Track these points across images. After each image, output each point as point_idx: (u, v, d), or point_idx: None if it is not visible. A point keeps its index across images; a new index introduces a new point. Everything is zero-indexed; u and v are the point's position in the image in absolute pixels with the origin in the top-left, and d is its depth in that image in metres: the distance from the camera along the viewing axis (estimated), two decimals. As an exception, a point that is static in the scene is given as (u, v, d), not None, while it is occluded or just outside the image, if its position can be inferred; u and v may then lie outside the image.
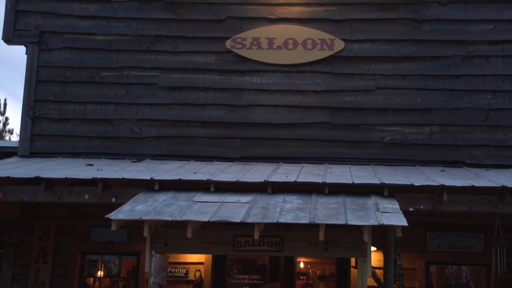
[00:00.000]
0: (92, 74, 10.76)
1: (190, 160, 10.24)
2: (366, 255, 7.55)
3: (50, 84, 10.77)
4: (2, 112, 26.61)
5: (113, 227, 7.12)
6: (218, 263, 10.49)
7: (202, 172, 8.94)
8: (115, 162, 9.93)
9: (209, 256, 10.38)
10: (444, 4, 10.60)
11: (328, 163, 10.05)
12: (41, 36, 10.85)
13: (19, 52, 52.21)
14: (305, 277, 13.31)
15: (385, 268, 8.23)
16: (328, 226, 7.11)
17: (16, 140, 14.51)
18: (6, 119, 26.74)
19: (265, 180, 8.31)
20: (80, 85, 10.74)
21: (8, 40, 10.84)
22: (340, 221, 7.03)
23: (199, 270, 10.48)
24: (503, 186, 8.04)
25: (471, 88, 10.35)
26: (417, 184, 8.07)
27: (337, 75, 10.52)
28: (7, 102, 26.97)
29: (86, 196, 8.51)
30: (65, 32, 10.87)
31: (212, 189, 8.29)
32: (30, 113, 10.67)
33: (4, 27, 10.87)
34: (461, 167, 9.98)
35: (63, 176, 8.46)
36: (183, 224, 7.19)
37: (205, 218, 7.12)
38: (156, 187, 8.36)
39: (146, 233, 7.35)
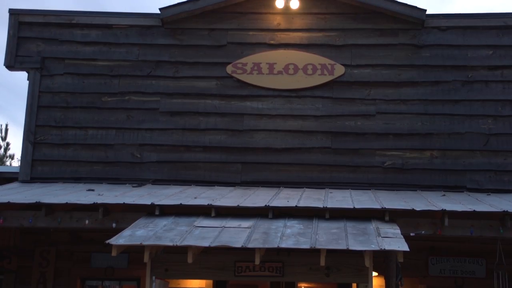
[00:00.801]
0: (93, 99, 10.80)
1: (191, 185, 10.24)
2: (368, 280, 7.53)
3: (52, 110, 10.80)
4: (3, 137, 26.57)
5: (114, 253, 7.09)
6: (218, 289, 10.43)
7: (203, 197, 8.94)
8: (116, 187, 9.93)
9: (210, 282, 10.31)
10: (444, 30, 10.67)
11: (329, 188, 10.05)
12: (43, 62, 10.90)
13: (20, 78, 52.20)
14: (306, 303, 13.20)
15: (387, 293, 8.20)
16: (329, 251, 7.08)
17: (17, 165, 14.49)
18: (7, 144, 26.66)
19: (266, 205, 8.29)
20: (81, 110, 10.78)
21: (10, 66, 10.89)
22: (341, 246, 7.00)
23: (199, 296, 10.43)
24: (504, 211, 8.02)
25: (471, 113, 10.38)
26: (418, 209, 8.05)
27: (337, 100, 10.55)
28: (8, 127, 26.80)
29: (87, 222, 8.50)
30: (67, 58, 10.94)
31: (213, 214, 8.27)
32: (31, 138, 10.69)
33: (6, 53, 10.93)
34: (462, 191, 9.97)
35: (64, 202, 8.45)
36: (183, 249, 7.17)
37: (205, 243, 7.10)
38: (157, 212, 8.34)
39: (146, 258, 7.32)
